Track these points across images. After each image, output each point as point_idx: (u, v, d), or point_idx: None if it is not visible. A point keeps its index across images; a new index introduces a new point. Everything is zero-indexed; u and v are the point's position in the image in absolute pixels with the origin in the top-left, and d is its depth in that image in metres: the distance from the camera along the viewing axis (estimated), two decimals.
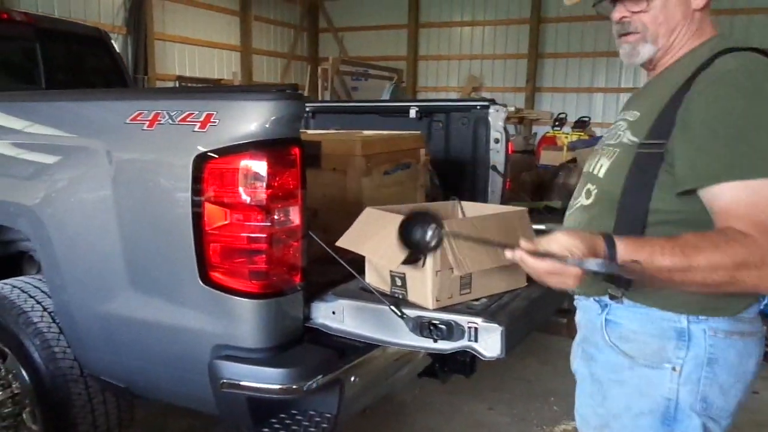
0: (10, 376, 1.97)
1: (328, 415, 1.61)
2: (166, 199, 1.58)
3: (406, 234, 1.23)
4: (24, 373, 1.89)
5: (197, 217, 1.52)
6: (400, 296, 1.59)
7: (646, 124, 1.14)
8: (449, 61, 12.42)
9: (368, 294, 1.62)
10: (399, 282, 1.60)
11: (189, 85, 9.39)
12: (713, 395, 1.13)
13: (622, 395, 1.18)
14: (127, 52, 9.10)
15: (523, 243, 0.98)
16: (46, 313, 1.88)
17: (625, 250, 0.99)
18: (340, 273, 1.70)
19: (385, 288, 1.64)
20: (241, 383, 1.50)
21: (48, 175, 1.79)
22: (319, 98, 8.18)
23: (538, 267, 0.98)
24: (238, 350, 1.53)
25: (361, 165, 2.07)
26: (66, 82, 3.65)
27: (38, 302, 1.91)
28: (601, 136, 1.66)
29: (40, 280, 2.02)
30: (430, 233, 1.22)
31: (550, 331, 3.34)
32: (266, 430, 1.57)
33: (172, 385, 1.70)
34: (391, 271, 1.61)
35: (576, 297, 1.31)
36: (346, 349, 1.65)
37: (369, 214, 1.70)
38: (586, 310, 1.26)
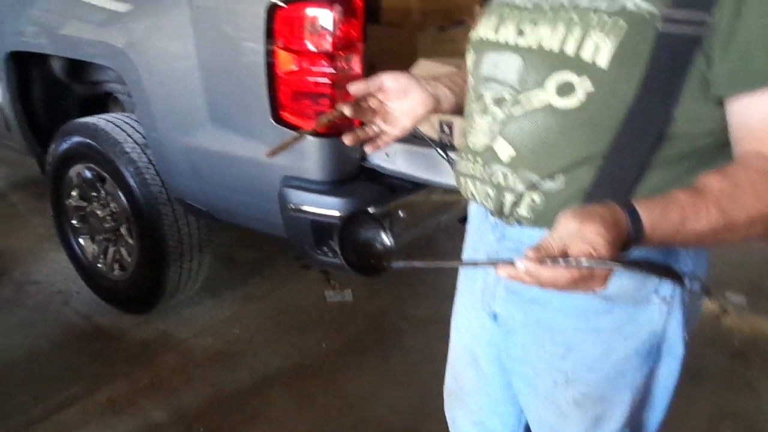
0: (108, 197, 2.32)
1: None
2: (242, 45, 1.76)
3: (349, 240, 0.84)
4: (121, 194, 2.22)
5: (269, 62, 1.70)
6: (447, 141, 1.78)
7: None
8: None
9: (419, 139, 1.81)
10: (447, 129, 1.78)
11: None
12: (693, 310, 0.95)
13: (597, 343, 0.91)
14: None
15: (529, 252, 0.66)
16: (136, 145, 2.16)
17: (651, 220, 0.69)
18: None
19: (434, 134, 1.82)
20: (307, 208, 1.77)
21: (137, 20, 1.98)
22: None
23: (559, 279, 0.66)
24: (304, 181, 1.78)
25: (418, 20, 2.17)
26: None
27: (129, 135, 2.19)
28: None
29: (128, 116, 2.29)
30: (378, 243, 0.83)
31: None
32: (325, 249, 1.85)
33: (247, 209, 1.99)
34: (440, 119, 1.79)
35: (492, 216, 0.94)
36: (397, 188, 1.88)
37: (423, 65, 1.85)
38: (524, 239, 0.90)
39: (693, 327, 0.99)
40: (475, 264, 0.76)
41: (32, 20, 2.34)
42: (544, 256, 0.66)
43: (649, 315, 0.90)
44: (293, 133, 1.65)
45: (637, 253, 0.72)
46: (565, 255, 0.66)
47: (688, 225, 0.71)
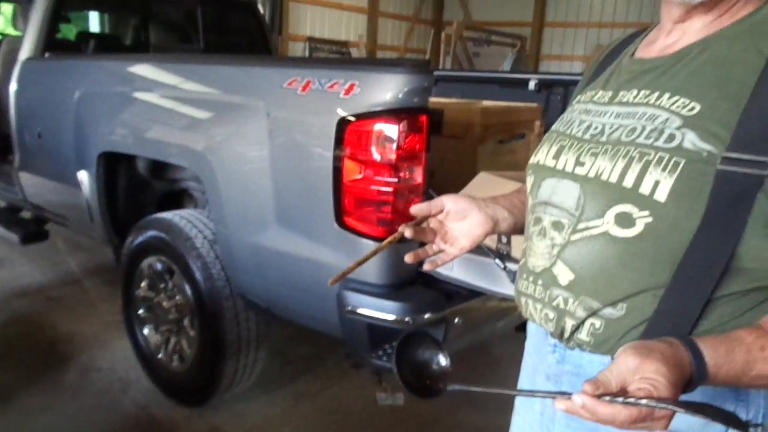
0: (175, 289, 2.42)
1: None
2: (312, 153, 1.88)
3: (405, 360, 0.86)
4: (187, 287, 2.32)
5: (336, 171, 1.80)
6: (505, 252, 1.80)
7: (719, 123, 0.76)
8: (576, 29, 12.06)
9: (476, 248, 1.84)
10: (504, 239, 1.81)
11: (318, 46, 9.91)
12: None
13: None
14: (264, 12, 9.71)
15: (587, 386, 0.66)
16: (206, 241, 2.28)
17: (715, 360, 0.69)
18: None
19: (492, 244, 1.85)
20: (364, 311, 1.80)
21: (217, 127, 2.16)
22: (441, 64, 8.34)
23: (617, 416, 0.65)
24: (363, 284, 1.82)
25: (479, 133, 2.26)
26: (219, 43, 4.10)
27: (200, 231, 2.31)
28: None
29: (200, 213, 2.43)
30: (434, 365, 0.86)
31: None
32: (380, 353, 1.86)
33: (306, 308, 2.03)
34: None
35: (552, 337, 0.94)
36: (453, 295, 1.89)
37: (482, 177, 1.91)
38: (584, 364, 0.90)
39: None
40: (532, 393, 0.77)
41: (123, 125, 2.58)
42: (602, 392, 0.65)
43: None
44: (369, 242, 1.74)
45: (700, 391, 0.70)
46: (624, 392, 0.65)
47: (756, 368, 0.70)
